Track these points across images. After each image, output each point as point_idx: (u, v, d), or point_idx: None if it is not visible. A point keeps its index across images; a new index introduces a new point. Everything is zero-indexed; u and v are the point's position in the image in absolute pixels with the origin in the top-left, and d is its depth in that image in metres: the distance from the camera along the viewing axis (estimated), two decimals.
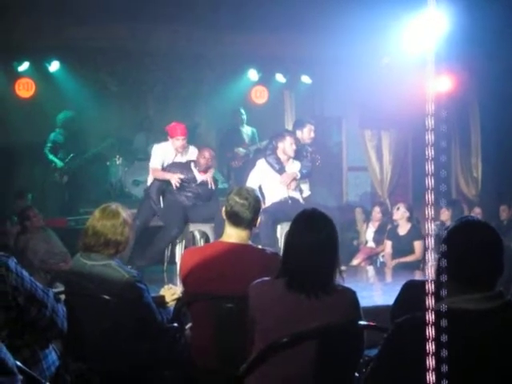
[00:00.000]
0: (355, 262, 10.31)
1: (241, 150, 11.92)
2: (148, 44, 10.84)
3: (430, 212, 2.05)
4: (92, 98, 12.07)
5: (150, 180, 8.88)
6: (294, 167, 8.73)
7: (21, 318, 3.48)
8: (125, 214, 4.32)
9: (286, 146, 8.61)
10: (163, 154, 8.69)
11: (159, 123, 10.38)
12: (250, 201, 4.23)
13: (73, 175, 11.63)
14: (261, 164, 8.73)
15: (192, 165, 8.62)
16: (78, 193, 12.03)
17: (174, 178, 8.41)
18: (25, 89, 11.39)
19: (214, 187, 8.68)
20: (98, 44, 10.61)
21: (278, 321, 3.30)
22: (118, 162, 12.17)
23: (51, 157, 11.51)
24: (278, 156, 8.67)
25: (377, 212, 10.84)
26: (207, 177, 8.60)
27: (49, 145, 11.54)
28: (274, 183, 8.56)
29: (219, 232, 4.60)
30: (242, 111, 12.32)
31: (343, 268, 9.07)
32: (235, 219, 4.21)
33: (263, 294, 3.43)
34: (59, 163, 11.49)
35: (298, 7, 9.76)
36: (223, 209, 4.31)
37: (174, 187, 8.42)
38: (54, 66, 11.12)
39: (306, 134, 9.13)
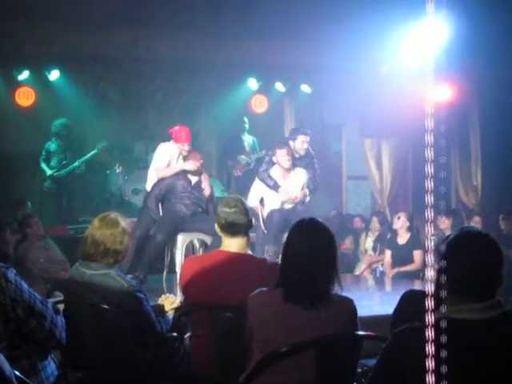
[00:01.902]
0: (358, 271, 10.31)
1: (243, 158, 11.91)
2: (148, 52, 10.84)
3: (429, 215, 2.05)
4: (92, 107, 12.10)
5: (148, 187, 8.80)
6: (298, 177, 8.74)
7: (20, 330, 3.47)
8: (124, 222, 4.30)
9: (279, 160, 8.65)
10: (170, 154, 8.62)
11: (159, 132, 10.38)
12: (239, 206, 4.28)
13: (65, 183, 11.59)
14: (258, 181, 8.79)
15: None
16: (75, 201, 12.02)
17: (193, 164, 8.40)
18: (25, 97, 11.41)
19: (208, 191, 8.64)
20: (99, 52, 10.60)
21: (276, 332, 3.29)
22: (117, 171, 12.15)
23: (43, 165, 11.50)
24: (270, 174, 8.73)
25: (375, 222, 10.85)
26: (203, 180, 8.58)
27: (43, 153, 11.54)
28: (273, 196, 8.58)
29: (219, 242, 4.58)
30: (246, 120, 12.31)
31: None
32: (233, 229, 4.22)
33: (261, 305, 3.41)
34: (48, 171, 11.46)
35: (298, 16, 9.79)
36: (216, 225, 4.31)
37: (195, 167, 8.41)
38: (54, 75, 11.13)
39: (299, 144, 9.00)
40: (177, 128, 8.67)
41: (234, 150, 12.17)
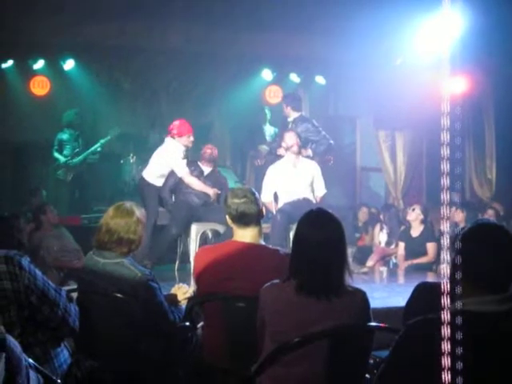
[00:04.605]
0: (370, 263, 10.27)
1: (264, 148, 11.86)
2: (163, 42, 10.87)
3: (445, 212, 2.04)
4: (106, 97, 12.13)
5: (149, 175, 8.80)
6: (308, 166, 8.76)
7: (33, 317, 3.49)
8: (139, 212, 4.31)
9: (288, 142, 8.72)
10: (182, 153, 8.68)
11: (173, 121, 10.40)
12: (249, 196, 4.25)
13: (80, 173, 11.62)
14: (271, 171, 8.78)
15: (198, 162, 8.77)
16: (89, 190, 12.06)
17: (215, 193, 8.53)
18: (40, 87, 11.48)
19: (217, 172, 8.85)
20: (113, 42, 10.63)
21: (288, 324, 3.30)
22: (131, 161, 12.18)
23: (56, 154, 11.52)
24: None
25: (385, 216, 10.85)
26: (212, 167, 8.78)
27: (55, 143, 11.57)
28: (286, 187, 8.58)
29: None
30: (267, 110, 12.29)
31: (365, 270, 9.06)
32: (245, 219, 4.20)
33: (274, 297, 3.41)
34: (62, 159, 11.49)
35: (313, 8, 9.76)
36: (227, 217, 4.30)
37: (214, 199, 8.54)
38: (69, 65, 11.18)
39: (285, 111, 9.63)
40: (177, 123, 8.72)
41: (255, 140, 12.15)
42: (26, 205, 10.28)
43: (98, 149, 11.76)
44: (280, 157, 9.14)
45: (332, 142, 9.60)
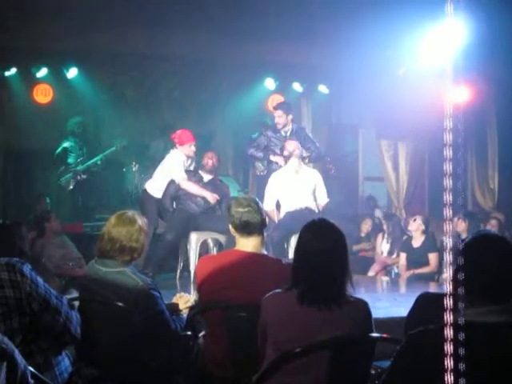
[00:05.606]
0: (371, 273, 10.26)
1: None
2: (166, 50, 10.87)
3: (448, 213, 2.04)
4: (109, 104, 12.15)
5: (153, 188, 8.78)
6: (310, 174, 8.77)
7: (35, 324, 3.49)
8: (141, 221, 4.31)
9: (289, 149, 8.77)
10: (183, 162, 8.67)
11: (176, 130, 10.43)
12: (252, 205, 4.26)
13: (82, 180, 11.62)
14: (273, 179, 8.77)
15: (199, 170, 8.79)
16: (91, 198, 12.06)
17: (213, 198, 8.47)
18: (43, 94, 11.50)
19: (218, 180, 8.86)
20: (116, 50, 10.64)
21: (290, 334, 3.30)
22: (134, 169, 12.19)
23: (59, 150, 11.53)
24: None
25: (387, 225, 10.83)
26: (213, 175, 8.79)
27: (59, 151, 11.56)
28: (289, 195, 8.57)
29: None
30: (269, 120, 12.28)
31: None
32: (248, 228, 4.20)
33: (276, 306, 3.41)
34: (66, 145, 11.51)
35: (316, 17, 9.77)
36: (230, 226, 4.30)
37: (213, 204, 8.51)
38: (72, 73, 11.19)
39: (276, 119, 9.51)
40: (179, 132, 8.73)
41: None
42: (32, 212, 10.29)
43: (98, 162, 11.76)
44: (275, 164, 9.17)
45: (323, 152, 9.64)
